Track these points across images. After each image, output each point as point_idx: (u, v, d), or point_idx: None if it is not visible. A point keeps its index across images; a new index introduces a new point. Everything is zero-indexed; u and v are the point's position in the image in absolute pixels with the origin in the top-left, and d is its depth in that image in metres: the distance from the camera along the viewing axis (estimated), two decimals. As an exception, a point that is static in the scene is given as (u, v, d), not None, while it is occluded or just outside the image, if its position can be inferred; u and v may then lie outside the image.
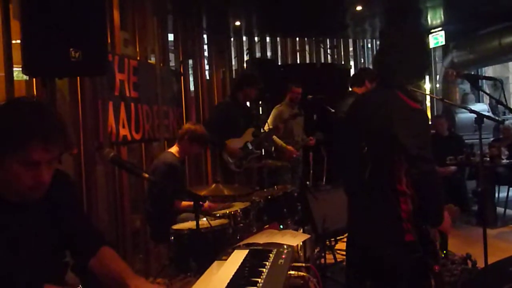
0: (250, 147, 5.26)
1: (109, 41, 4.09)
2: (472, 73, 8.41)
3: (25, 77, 3.36)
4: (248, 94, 5.33)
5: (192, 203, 3.34)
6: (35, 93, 3.44)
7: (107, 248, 1.82)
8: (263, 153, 6.97)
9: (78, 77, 3.77)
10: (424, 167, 2.15)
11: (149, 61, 5.43)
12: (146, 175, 2.03)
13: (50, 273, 1.66)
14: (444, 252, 4.18)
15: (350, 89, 4.92)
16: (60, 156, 1.60)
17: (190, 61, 6.80)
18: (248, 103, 7.34)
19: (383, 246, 2.31)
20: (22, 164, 1.50)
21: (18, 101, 1.62)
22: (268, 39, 8.71)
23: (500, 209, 6.66)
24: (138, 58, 5.02)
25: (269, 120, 6.04)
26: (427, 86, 9.72)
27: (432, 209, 2.25)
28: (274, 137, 5.81)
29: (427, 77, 9.43)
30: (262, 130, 5.54)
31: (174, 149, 4.06)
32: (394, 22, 7.45)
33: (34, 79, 3.39)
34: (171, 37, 6.31)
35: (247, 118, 5.44)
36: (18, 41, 2.89)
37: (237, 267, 1.94)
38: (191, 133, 3.98)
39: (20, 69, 2.88)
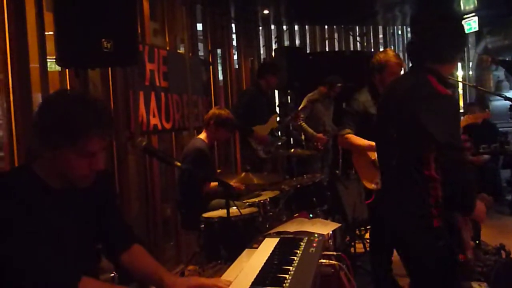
0: (276, 134, 5.30)
1: (139, 31, 4.13)
2: (507, 59, 8.21)
3: (59, 68, 3.42)
4: (269, 82, 5.38)
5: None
6: (68, 83, 3.51)
7: (139, 246, 1.88)
8: (291, 142, 6.97)
9: (110, 68, 3.83)
10: (454, 154, 2.10)
11: (178, 50, 5.47)
12: (178, 163, 2.05)
13: (87, 260, 1.70)
14: (477, 242, 4.12)
15: None
16: None
17: (219, 51, 6.81)
18: (276, 92, 7.36)
19: (411, 231, 2.31)
20: (79, 155, 1.54)
21: (66, 95, 1.64)
22: (296, 27, 8.65)
23: (534, 199, 6.52)
24: (168, 48, 5.05)
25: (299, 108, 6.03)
26: (460, 73, 9.51)
27: (461, 197, 2.19)
28: (305, 125, 5.80)
29: (459, 64, 9.22)
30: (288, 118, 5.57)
31: (202, 135, 4.09)
32: (426, 7, 7.29)
33: (67, 70, 3.46)
34: (199, 26, 6.33)
35: (271, 105, 5.47)
36: (51, 33, 2.94)
37: (268, 255, 1.95)
38: (216, 118, 3.99)
39: (54, 60, 2.93)
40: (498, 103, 8.37)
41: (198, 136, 4.16)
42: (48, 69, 3.36)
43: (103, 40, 2.76)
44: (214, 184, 3.84)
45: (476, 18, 7.86)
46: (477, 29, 8.01)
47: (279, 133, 5.46)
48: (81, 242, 1.64)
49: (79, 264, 1.60)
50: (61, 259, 1.51)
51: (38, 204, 1.52)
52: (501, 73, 9.04)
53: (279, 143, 5.31)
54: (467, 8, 7.68)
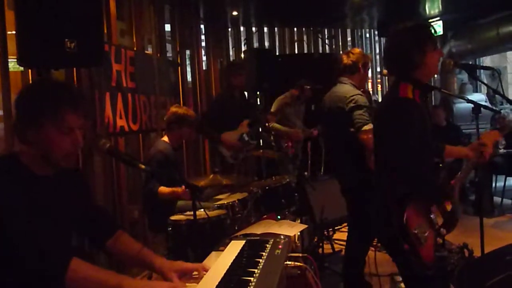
0: (246, 139, 5.26)
1: (105, 31, 4.06)
2: (470, 63, 8.41)
3: (21, 68, 3.34)
4: (237, 82, 5.33)
5: (170, 189, 3.47)
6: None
7: (123, 232, 2.00)
8: (261, 144, 6.97)
9: (75, 68, 3.75)
10: (403, 170, 2.31)
11: (146, 51, 5.41)
12: (142, 166, 2.02)
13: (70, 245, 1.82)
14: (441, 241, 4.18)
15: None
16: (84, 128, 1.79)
17: (188, 52, 6.77)
18: (246, 93, 7.30)
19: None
20: (59, 130, 1.69)
21: (45, 79, 1.89)
22: (265, 29, 8.67)
23: (497, 199, 6.69)
24: (135, 48, 4.99)
25: (271, 110, 6.03)
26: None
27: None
28: (276, 125, 5.80)
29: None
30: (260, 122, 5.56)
31: (165, 138, 4.03)
32: (392, 11, 7.42)
33: (29, 70, 3.37)
34: (168, 27, 6.28)
35: (243, 109, 5.44)
36: (13, 32, 2.87)
37: (234, 257, 1.93)
38: (176, 118, 3.89)
39: (16, 60, 2.86)
40: (462, 105, 8.57)
41: (162, 139, 4.08)
42: (10, 69, 3.27)
43: (66, 40, 2.71)
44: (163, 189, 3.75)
45: (440, 22, 8.02)
46: (441, 33, 8.17)
47: (251, 137, 5.43)
48: (65, 227, 1.78)
49: (66, 248, 1.72)
50: (54, 239, 1.62)
51: (26, 188, 1.65)
52: (465, 76, 9.24)
53: (248, 148, 5.29)
54: (431, 12, 7.84)
